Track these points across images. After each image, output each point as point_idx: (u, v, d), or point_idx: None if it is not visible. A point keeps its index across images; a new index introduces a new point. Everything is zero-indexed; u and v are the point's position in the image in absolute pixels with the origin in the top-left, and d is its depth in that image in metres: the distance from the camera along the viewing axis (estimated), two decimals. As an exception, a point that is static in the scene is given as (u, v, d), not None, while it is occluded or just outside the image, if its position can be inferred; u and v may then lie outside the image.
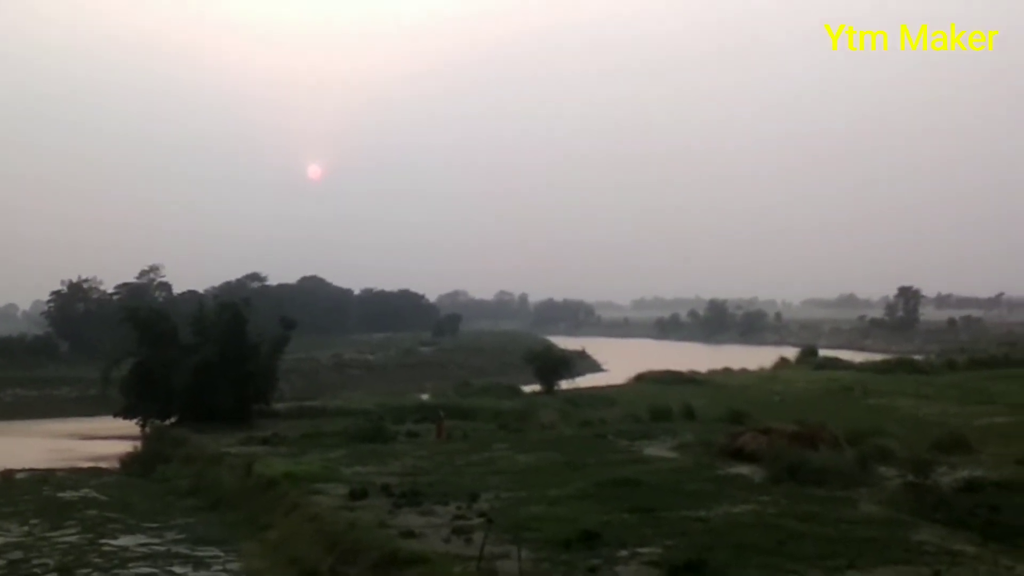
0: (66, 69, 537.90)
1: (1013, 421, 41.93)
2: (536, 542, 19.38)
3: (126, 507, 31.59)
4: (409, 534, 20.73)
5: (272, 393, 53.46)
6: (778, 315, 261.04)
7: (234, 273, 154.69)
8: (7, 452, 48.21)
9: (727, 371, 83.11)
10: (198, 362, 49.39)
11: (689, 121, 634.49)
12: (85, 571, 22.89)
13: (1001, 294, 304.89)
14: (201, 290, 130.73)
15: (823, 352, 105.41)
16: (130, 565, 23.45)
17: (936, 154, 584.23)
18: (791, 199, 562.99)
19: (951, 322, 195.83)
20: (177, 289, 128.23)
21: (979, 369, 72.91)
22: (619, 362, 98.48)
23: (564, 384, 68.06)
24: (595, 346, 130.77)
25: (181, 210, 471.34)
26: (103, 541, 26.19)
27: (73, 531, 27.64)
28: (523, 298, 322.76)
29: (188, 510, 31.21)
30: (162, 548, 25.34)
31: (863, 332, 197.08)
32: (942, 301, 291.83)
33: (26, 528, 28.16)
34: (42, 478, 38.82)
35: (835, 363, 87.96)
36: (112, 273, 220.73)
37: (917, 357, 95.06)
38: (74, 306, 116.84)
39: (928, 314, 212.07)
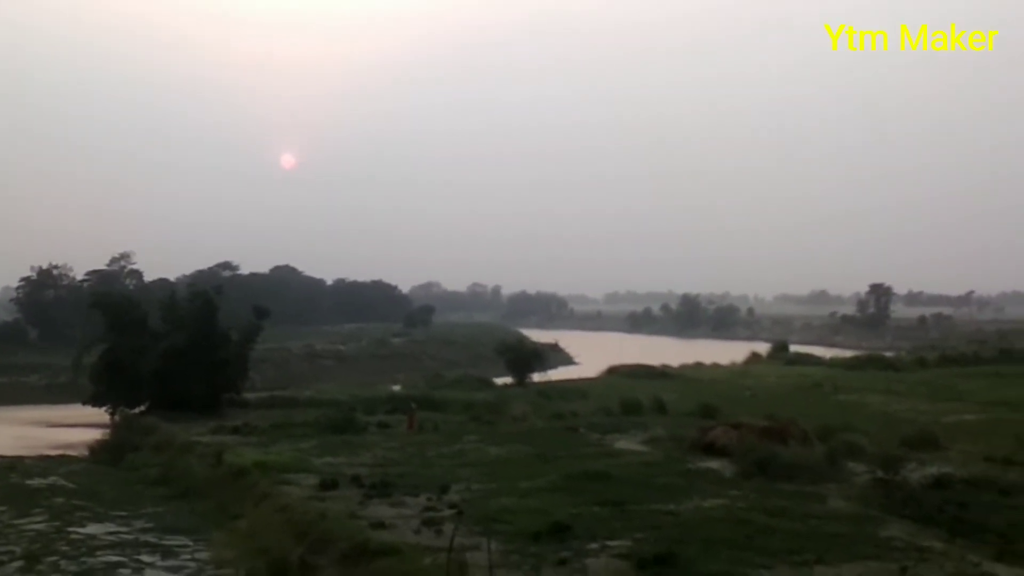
0: (28, 51, 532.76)
1: (982, 418, 42.29)
2: (506, 534, 19.38)
3: (94, 495, 31.38)
4: (379, 525, 20.69)
5: (243, 382, 53.28)
6: (750, 310, 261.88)
7: (206, 262, 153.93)
8: (-25, 439, 47.81)
9: (699, 365, 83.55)
10: (167, 348, 49.17)
11: (663, 115, 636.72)
12: (52, 559, 22.69)
13: (971, 292, 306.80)
14: (173, 278, 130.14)
15: (794, 348, 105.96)
16: (98, 553, 23.26)
17: (908, 154, 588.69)
18: (764, 195, 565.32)
19: (921, 319, 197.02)
20: (148, 277, 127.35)
21: (949, 366, 73.47)
22: (591, 355, 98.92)
23: (536, 377, 68.25)
24: (567, 339, 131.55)
25: (153, 198, 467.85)
26: (71, 529, 25.98)
27: (40, 519, 27.41)
28: (496, 290, 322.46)
29: (157, 499, 30.98)
30: (130, 537, 25.16)
31: (834, 328, 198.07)
32: (913, 298, 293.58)
33: (-8, 515, 27.93)
34: (10, 465, 38.46)
35: (806, 359, 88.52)
36: (82, 260, 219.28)
37: (887, 354, 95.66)
38: (44, 293, 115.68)
39: (899, 311, 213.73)
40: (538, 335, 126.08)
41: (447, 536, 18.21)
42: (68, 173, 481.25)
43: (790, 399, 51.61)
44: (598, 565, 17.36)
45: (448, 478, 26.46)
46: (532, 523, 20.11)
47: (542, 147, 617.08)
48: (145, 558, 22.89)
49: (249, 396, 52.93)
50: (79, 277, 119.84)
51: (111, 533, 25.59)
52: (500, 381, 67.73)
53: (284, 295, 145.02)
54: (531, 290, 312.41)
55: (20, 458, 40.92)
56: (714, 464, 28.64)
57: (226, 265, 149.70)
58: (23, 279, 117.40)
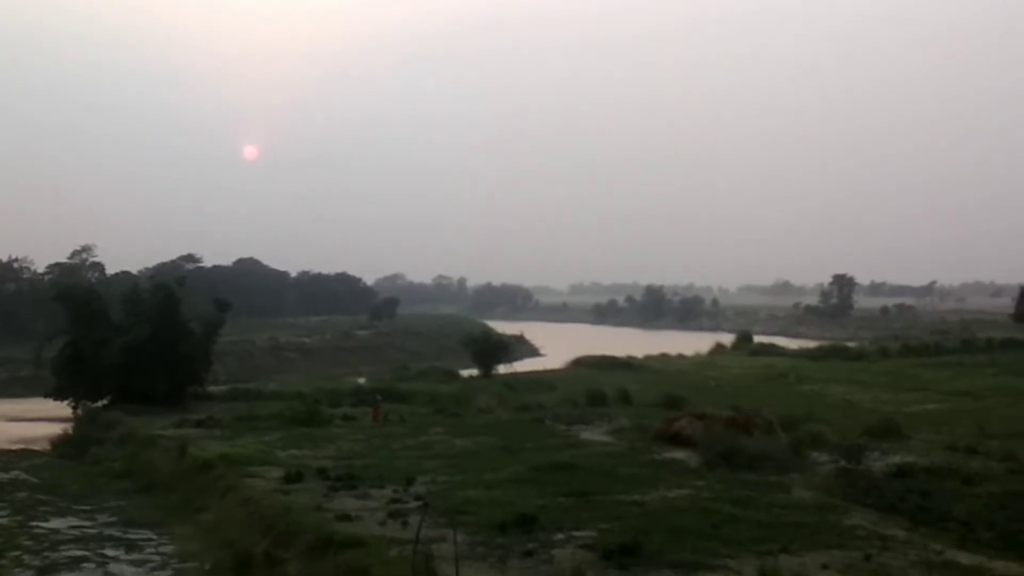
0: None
1: (944, 408, 42.76)
2: (472, 525, 19.36)
3: (57, 489, 31.15)
4: (345, 517, 20.61)
5: (206, 375, 53.06)
6: (715, 301, 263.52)
7: (169, 255, 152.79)
8: (-66, 434, 47.32)
9: (664, 356, 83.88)
10: (129, 341, 48.83)
11: (627, 106, 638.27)
12: (15, 554, 22.44)
13: (933, 282, 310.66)
14: (135, 271, 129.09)
15: (758, 338, 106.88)
16: (61, 548, 23.05)
17: (871, 146, 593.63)
18: (728, 186, 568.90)
19: (884, 310, 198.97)
20: (111, 270, 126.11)
21: (911, 356, 74.23)
22: (557, 347, 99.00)
23: (502, 368, 68.46)
24: (533, 331, 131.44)
25: (114, 190, 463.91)
26: (34, 523, 25.74)
27: (3, 513, 27.12)
28: (462, 282, 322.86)
29: (121, 492, 30.79)
30: (94, 531, 24.97)
31: (798, 319, 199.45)
32: (875, 289, 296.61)
33: (-47, 510, 27.64)
34: (-29, 460, 38.13)
35: (770, 349, 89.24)
36: (43, 254, 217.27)
37: (851, 344, 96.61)
38: (4, 286, 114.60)
39: (862, 302, 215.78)
40: (504, 327, 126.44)
41: (413, 528, 18.17)
42: (29, 166, 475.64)
43: (754, 389, 51.92)
44: (564, 556, 17.37)
45: (414, 470, 26.38)
46: (498, 514, 20.09)
47: (506, 138, 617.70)
48: (109, 552, 22.70)
49: (213, 389, 52.73)
50: (40, 270, 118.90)
51: (75, 527, 25.38)
52: (466, 373, 67.85)
53: (248, 287, 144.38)
54: (496, 282, 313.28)
55: (-19, 453, 40.53)
56: (679, 454, 28.70)
57: (189, 258, 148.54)
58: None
